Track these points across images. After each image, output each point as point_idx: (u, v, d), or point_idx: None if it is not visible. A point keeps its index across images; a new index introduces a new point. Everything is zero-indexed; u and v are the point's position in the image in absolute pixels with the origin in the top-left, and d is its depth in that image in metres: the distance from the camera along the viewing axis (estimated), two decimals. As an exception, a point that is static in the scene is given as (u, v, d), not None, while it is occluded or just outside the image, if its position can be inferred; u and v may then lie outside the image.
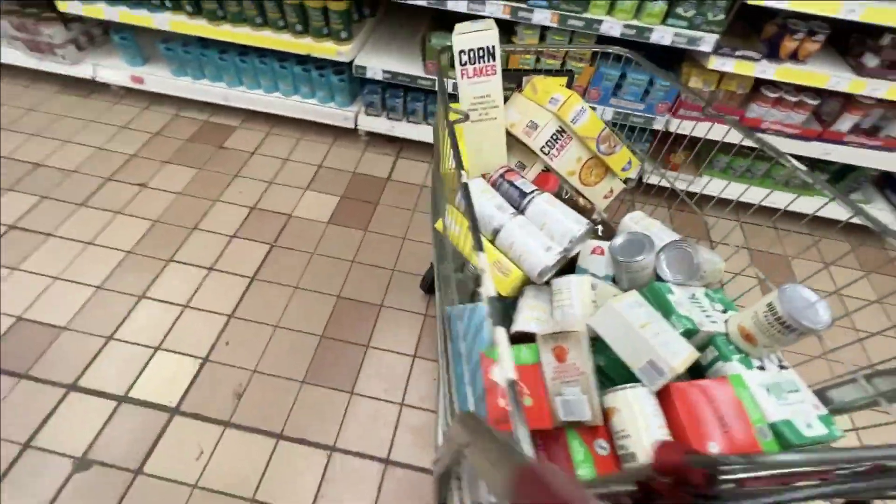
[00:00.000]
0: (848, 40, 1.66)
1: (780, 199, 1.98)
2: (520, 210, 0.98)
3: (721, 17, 1.51)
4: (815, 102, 1.70)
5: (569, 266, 0.97)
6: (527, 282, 0.95)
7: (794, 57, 1.58)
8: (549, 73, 1.13)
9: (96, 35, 2.24)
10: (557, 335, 0.68)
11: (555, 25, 1.61)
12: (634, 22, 1.57)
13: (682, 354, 0.66)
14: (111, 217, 1.78)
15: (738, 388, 0.66)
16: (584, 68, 1.74)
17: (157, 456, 1.25)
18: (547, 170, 1.11)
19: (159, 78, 2.12)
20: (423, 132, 2.09)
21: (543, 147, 1.06)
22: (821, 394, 0.75)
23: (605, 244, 0.91)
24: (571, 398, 0.66)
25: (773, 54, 1.58)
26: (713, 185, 2.01)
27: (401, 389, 1.42)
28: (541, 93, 1.03)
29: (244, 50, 2.03)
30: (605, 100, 1.81)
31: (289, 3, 1.77)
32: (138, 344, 1.45)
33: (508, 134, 1.08)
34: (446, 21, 1.92)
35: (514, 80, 1.13)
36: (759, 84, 1.74)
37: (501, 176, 1.03)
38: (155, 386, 1.37)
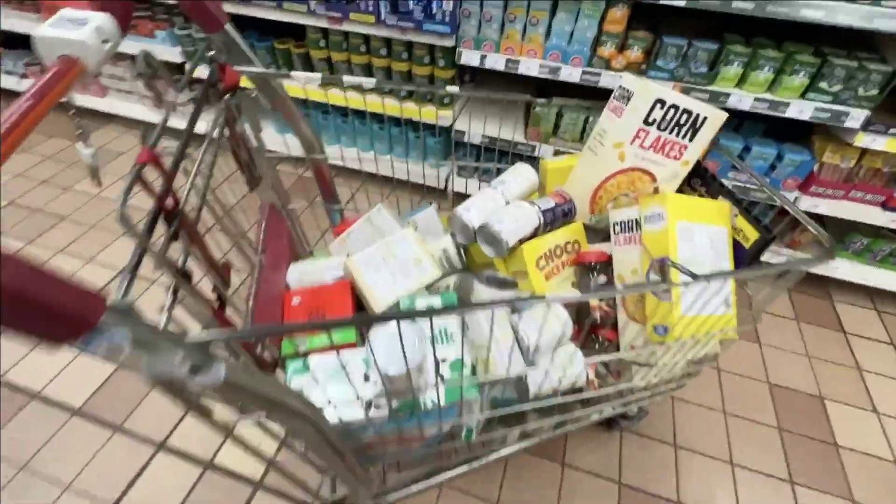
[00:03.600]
0: None
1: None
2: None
3: (874, 92, 1.36)
4: None
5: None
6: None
7: (964, 136, 1.38)
8: (748, 213, 0.87)
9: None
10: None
11: (674, 97, 1.52)
12: (767, 95, 1.45)
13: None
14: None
15: None
16: (701, 140, 1.63)
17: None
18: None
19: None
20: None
21: (616, 224, 0.93)
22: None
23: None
24: None
25: (937, 133, 1.39)
26: (846, 270, 1.78)
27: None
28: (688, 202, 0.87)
29: (344, 111, 2.10)
30: (724, 172, 1.67)
31: (397, 71, 1.82)
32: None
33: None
34: (550, 90, 1.89)
35: (711, 190, 0.97)
36: (912, 162, 1.53)
37: (554, 193, 1.00)
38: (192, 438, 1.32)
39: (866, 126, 1.40)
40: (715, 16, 1.50)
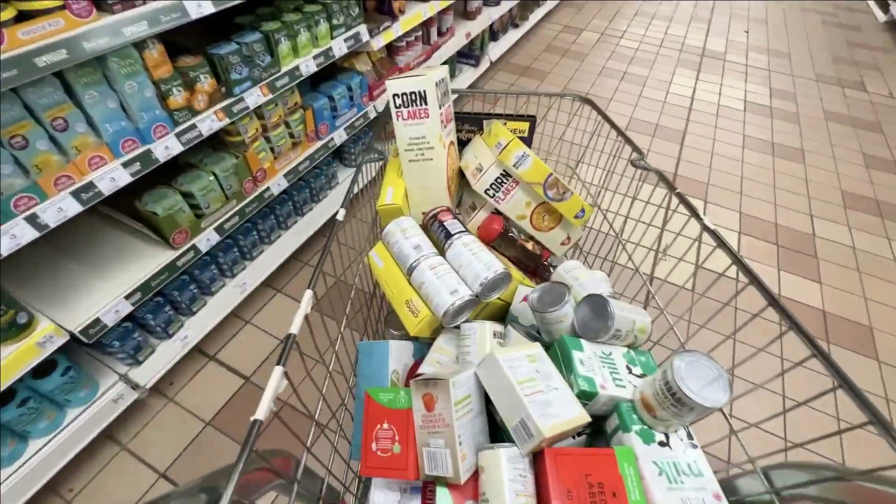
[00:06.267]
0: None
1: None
2: (444, 251, 0.87)
3: (357, 10, 1.68)
4: (420, 33, 2.20)
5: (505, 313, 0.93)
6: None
7: (401, 12, 1.97)
8: (510, 117, 1.09)
9: None
10: (428, 381, 0.61)
11: (269, 97, 1.41)
12: (318, 50, 1.55)
13: (561, 417, 0.58)
14: None
15: (624, 462, 0.57)
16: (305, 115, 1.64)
17: None
18: (497, 212, 1.10)
19: None
20: (215, 310, 1.54)
21: (488, 190, 1.04)
22: (729, 483, 0.63)
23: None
24: (436, 450, 0.60)
25: (393, 17, 1.91)
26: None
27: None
28: (492, 136, 1.02)
29: None
30: (334, 126, 1.79)
31: None
32: None
33: (463, 175, 1.08)
34: (123, 199, 1.31)
35: (476, 123, 1.11)
36: (390, 44, 2.08)
37: (434, 216, 0.92)
38: None
39: (371, 34, 1.77)
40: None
